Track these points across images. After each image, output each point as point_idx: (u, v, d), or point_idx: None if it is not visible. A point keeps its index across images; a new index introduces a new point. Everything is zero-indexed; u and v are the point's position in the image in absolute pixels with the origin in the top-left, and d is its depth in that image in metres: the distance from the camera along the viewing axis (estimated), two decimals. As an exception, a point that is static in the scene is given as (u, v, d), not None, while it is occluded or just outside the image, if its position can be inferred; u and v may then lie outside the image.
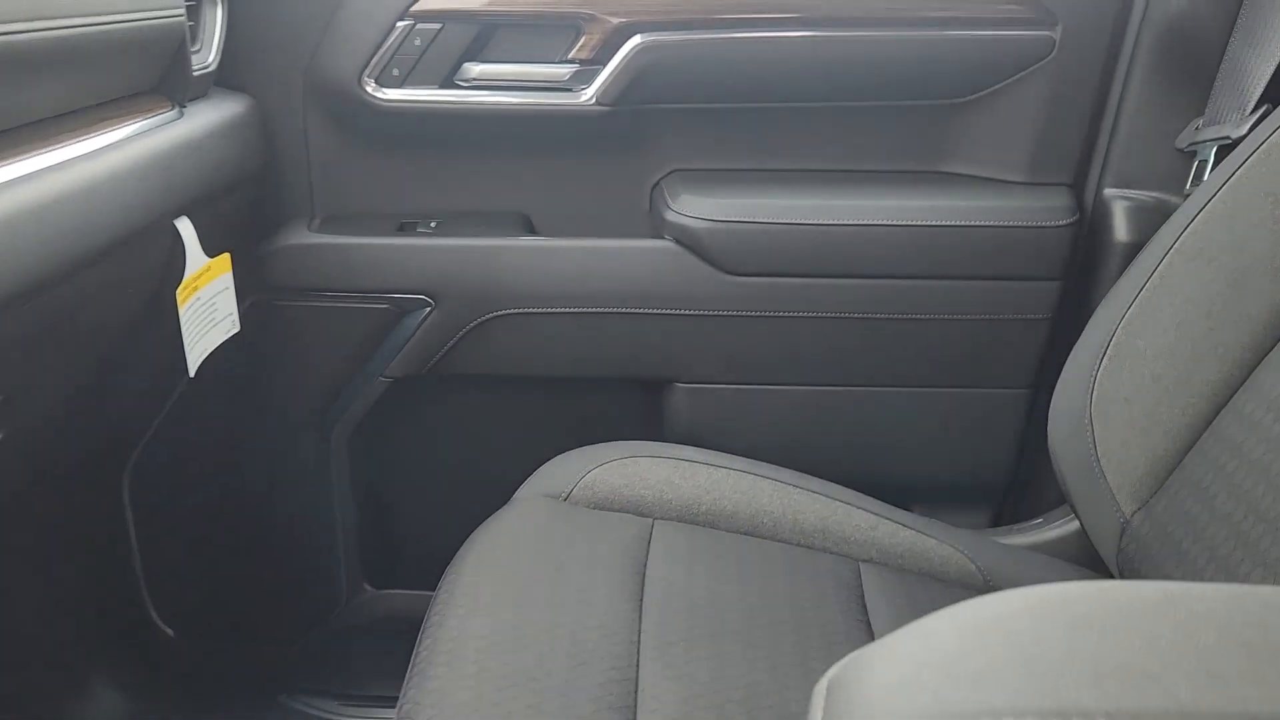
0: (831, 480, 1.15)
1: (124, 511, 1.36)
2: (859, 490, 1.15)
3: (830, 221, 1.26)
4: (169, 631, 1.46)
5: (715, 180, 1.31)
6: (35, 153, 0.85)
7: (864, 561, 1.07)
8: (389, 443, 1.43)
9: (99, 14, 0.91)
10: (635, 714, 0.80)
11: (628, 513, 1.08)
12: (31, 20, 0.81)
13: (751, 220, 1.26)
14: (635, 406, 1.40)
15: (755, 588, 0.98)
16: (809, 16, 1.22)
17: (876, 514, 1.11)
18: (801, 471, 1.16)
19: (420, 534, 1.48)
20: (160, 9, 1.03)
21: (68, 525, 1.31)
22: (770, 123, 1.31)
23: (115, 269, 0.96)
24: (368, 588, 1.47)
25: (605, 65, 1.23)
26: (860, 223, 1.25)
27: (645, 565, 0.98)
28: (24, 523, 1.19)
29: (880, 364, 1.32)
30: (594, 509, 1.08)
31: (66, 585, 1.34)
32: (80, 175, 0.88)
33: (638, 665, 0.85)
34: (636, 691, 0.83)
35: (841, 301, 1.29)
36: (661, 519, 1.08)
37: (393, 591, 1.47)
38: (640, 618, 0.91)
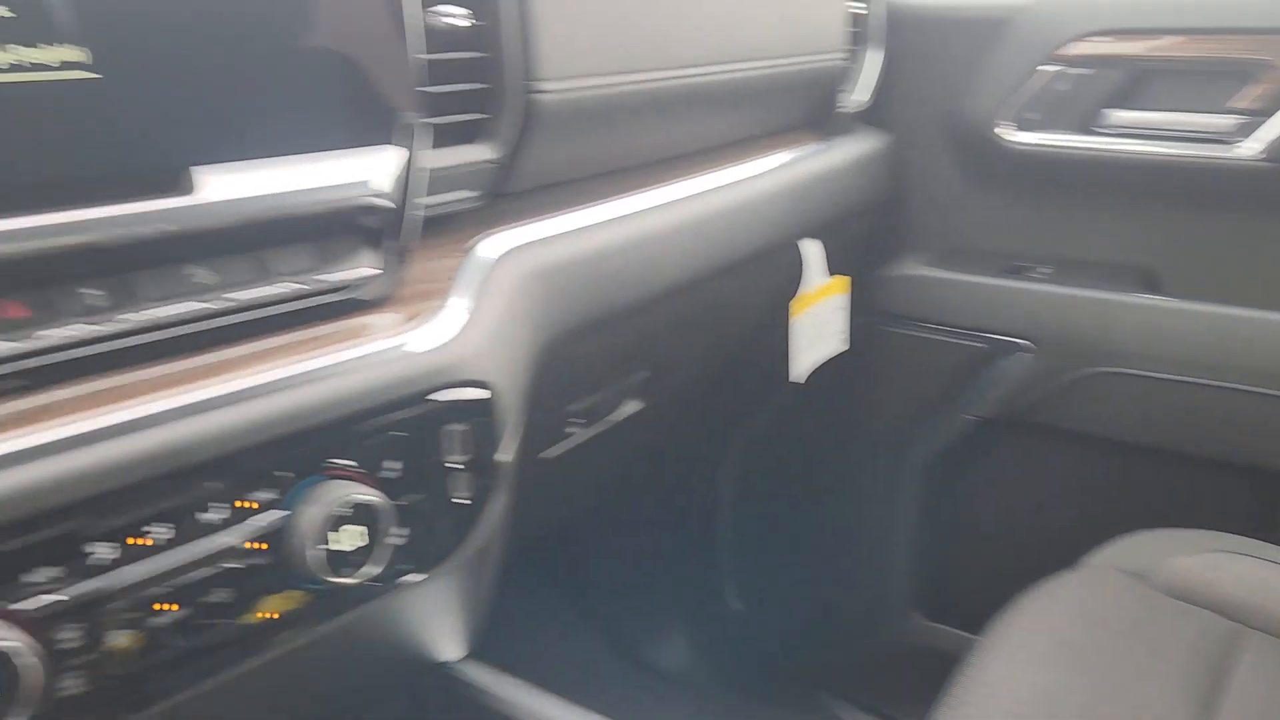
0: None
1: (716, 492, 1.54)
2: None
3: None
4: (739, 605, 1.63)
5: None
6: (702, 173, 1.01)
7: None
8: (961, 480, 1.44)
9: (773, 58, 1.05)
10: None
11: (1212, 611, 0.97)
12: (721, 64, 0.96)
13: None
14: (1239, 495, 1.24)
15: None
16: None
17: None
18: None
19: (975, 575, 1.46)
20: (825, 53, 1.15)
21: (666, 496, 1.52)
22: None
23: (748, 277, 1.10)
24: (916, 615, 1.49)
25: (1275, 117, 1.10)
26: None
27: (1225, 676, 0.88)
28: (630, 488, 1.42)
29: None
30: (1173, 598, 0.99)
31: (652, 546, 1.56)
32: (735, 196, 1.03)
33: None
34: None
35: None
36: (1255, 629, 0.95)
37: (939, 625, 1.47)
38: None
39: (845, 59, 1.20)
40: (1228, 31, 1.13)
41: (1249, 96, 1.12)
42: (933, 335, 1.35)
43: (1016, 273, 1.31)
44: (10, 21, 0.49)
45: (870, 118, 1.33)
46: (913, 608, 1.49)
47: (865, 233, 1.33)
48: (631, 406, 1.06)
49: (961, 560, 1.47)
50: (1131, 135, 1.20)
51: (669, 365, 1.08)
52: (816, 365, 1.23)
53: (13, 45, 0.49)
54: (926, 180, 1.35)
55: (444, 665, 0.74)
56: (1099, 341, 1.24)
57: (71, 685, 0.49)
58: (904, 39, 1.31)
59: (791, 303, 1.16)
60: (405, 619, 0.69)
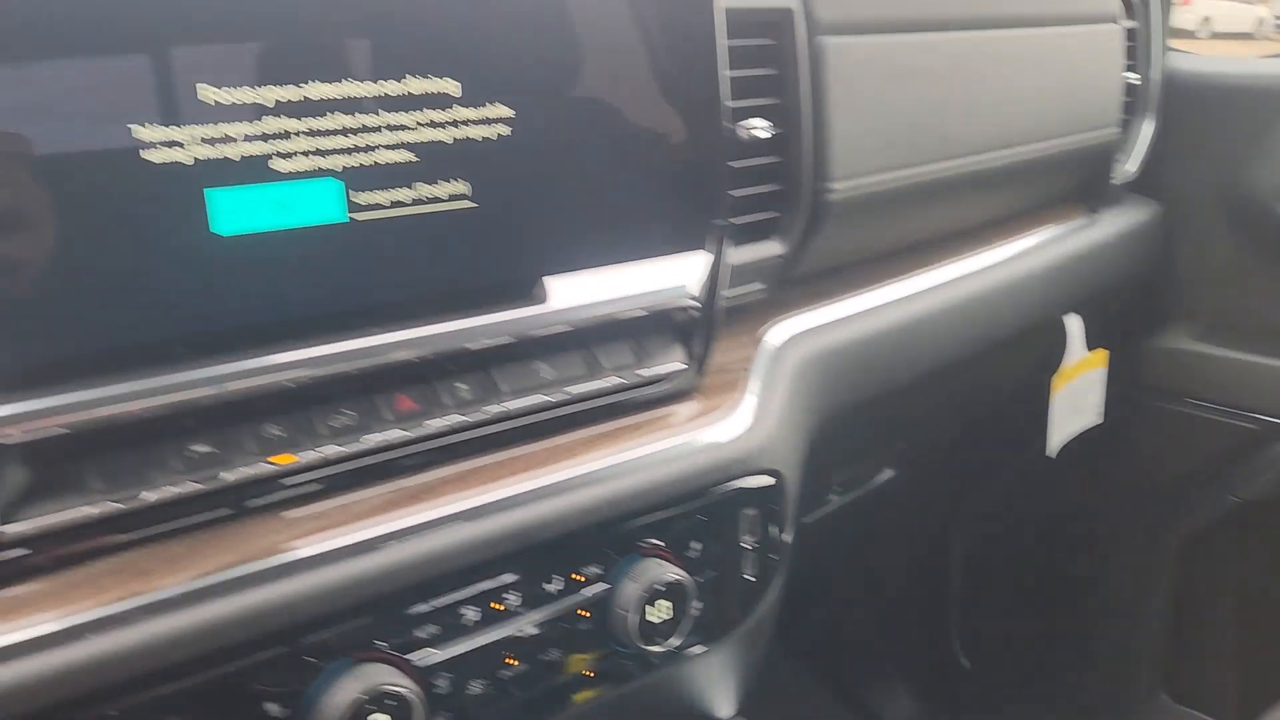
0: None
1: (951, 554, 1.54)
2: None
3: None
4: (965, 663, 1.62)
5: None
6: (970, 253, 1.03)
7: None
8: (1223, 562, 1.38)
9: (1050, 137, 1.06)
10: None
11: None
12: (999, 149, 0.99)
13: None
14: None
15: None
16: None
17: None
18: None
19: (1234, 662, 1.40)
20: (1099, 127, 1.15)
21: (904, 552, 1.54)
22: None
23: (1010, 353, 1.11)
24: (1163, 697, 1.44)
25: None
26: None
27: None
28: (867, 541, 1.44)
29: None
30: None
31: (886, 605, 1.58)
32: (1001, 275, 1.04)
33: None
34: None
35: None
36: None
37: (1190, 710, 1.41)
38: None
39: (1118, 133, 1.19)
40: None
41: None
42: (1197, 412, 1.31)
43: (1296, 352, 1.25)
44: (416, 165, 0.59)
45: (1138, 186, 1.30)
46: (1160, 688, 1.44)
47: (1127, 305, 1.31)
48: (886, 474, 1.10)
49: (1219, 645, 1.41)
50: None
51: (926, 435, 1.11)
52: (1070, 438, 1.22)
53: (419, 183, 0.59)
54: (1198, 252, 1.31)
55: (719, 721, 0.81)
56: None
57: (436, 724, 0.58)
58: (1179, 108, 1.28)
59: (1053, 378, 1.16)
60: (688, 681, 0.76)
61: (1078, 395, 1.22)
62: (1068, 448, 1.24)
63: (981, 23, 0.96)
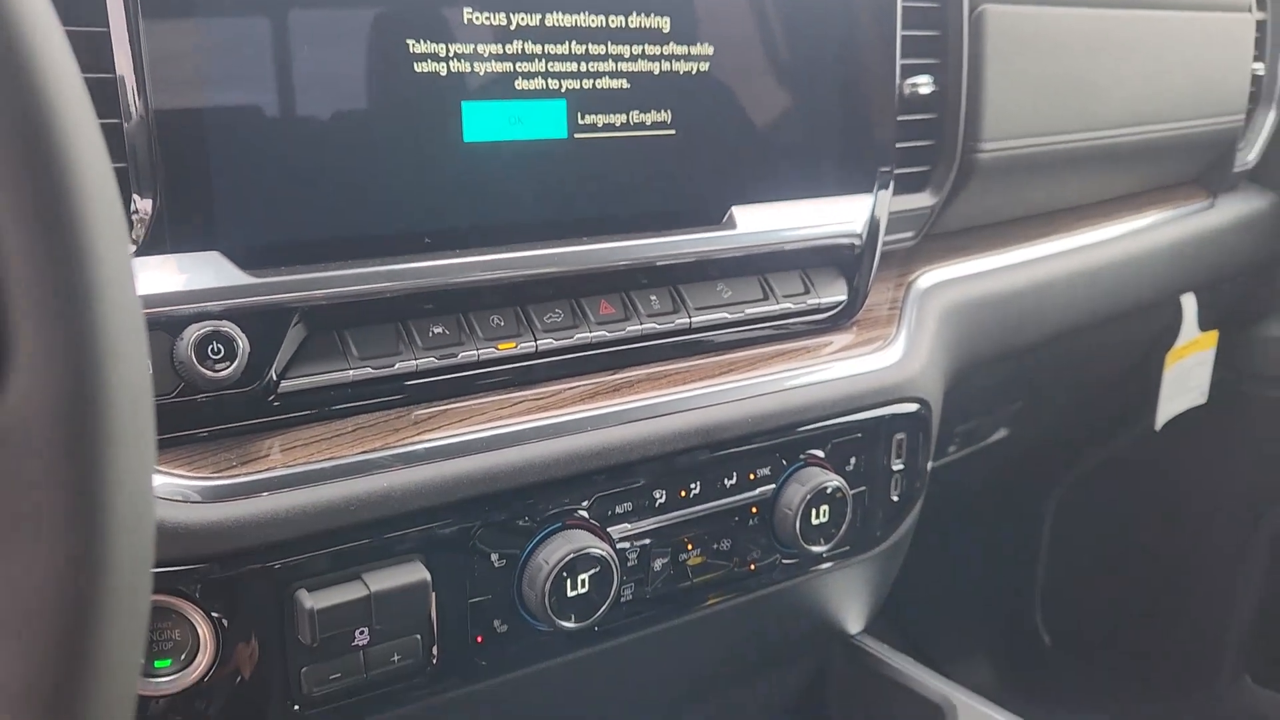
0: None
1: (1041, 526, 1.58)
2: None
3: None
4: (1046, 639, 1.65)
5: None
6: (1098, 226, 1.07)
7: None
8: (1315, 551, 1.40)
9: (1180, 120, 1.10)
10: None
11: None
12: (1134, 125, 1.03)
13: None
14: None
15: None
16: None
17: None
18: None
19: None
20: (1225, 114, 1.18)
21: (990, 522, 1.58)
22: None
23: (1128, 325, 1.15)
24: (1247, 680, 1.46)
25: None
26: None
27: None
28: (973, 500, 1.48)
29: None
30: None
31: (971, 570, 1.61)
32: (1127, 248, 1.08)
33: None
34: None
35: None
36: None
37: (1273, 693, 1.44)
38: None
39: (1242, 121, 1.22)
40: None
41: None
42: (1301, 399, 1.33)
43: None
44: (628, 92, 0.65)
45: (1257, 176, 1.33)
46: (1244, 671, 1.47)
47: (1240, 290, 1.33)
48: (1001, 433, 1.15)
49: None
50: None
51: (1042, 399, 1.15)
52: (1175, 415, 1.26)
53: (631, 110, 0.66)
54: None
55: (850, 636, 0.87)
56: None
57: (624, 593, 0.65)
58: (1304, 99, 1.30)
59: (1167, 354, 1.19)
60: (827, 593, 0.81)
61: (1187, 374, 1.25)
62: (1170, 427, 1.28)
63: (1127, 3, 1.00)
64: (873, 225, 0.77)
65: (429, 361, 0.60)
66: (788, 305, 0.74)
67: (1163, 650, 1.54)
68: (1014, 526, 1.61)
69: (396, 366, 0.59)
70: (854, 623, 0.87)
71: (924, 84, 0.83)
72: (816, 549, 0.71)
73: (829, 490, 0.70)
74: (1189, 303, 1.20)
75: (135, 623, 0.24)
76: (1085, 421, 1.39)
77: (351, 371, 0.58)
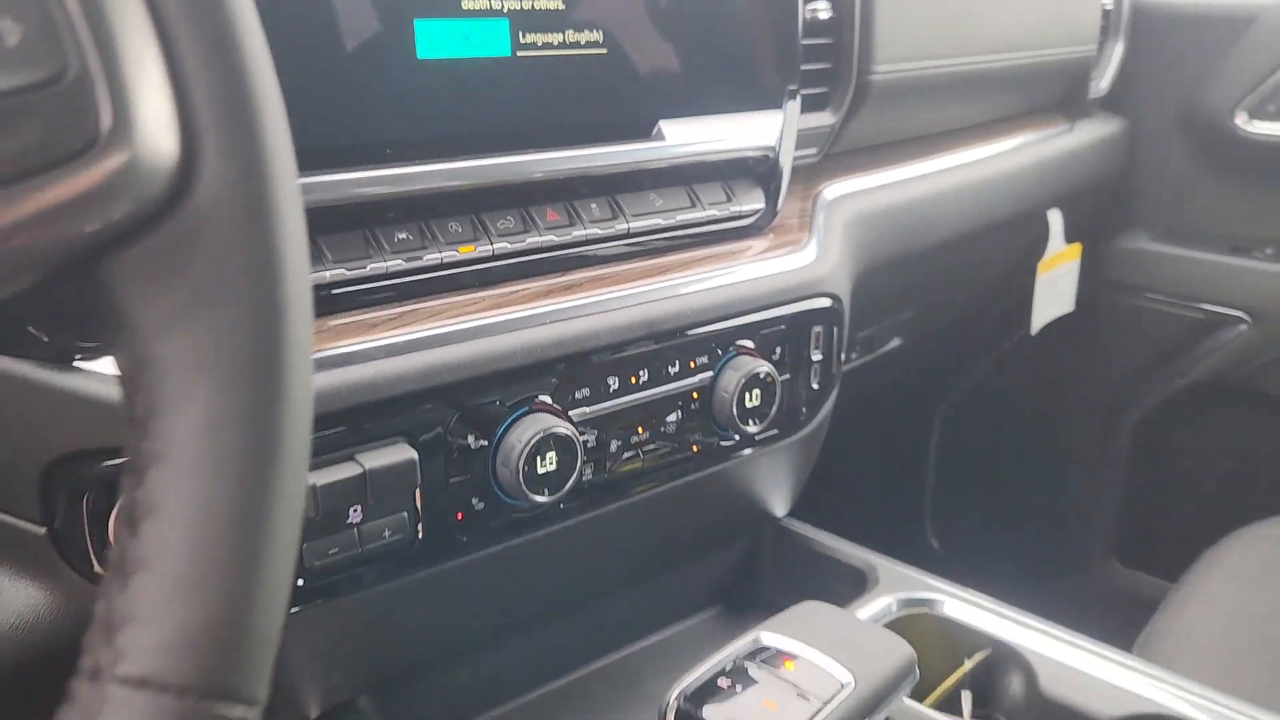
0: None
1: (930, 436, 1.71)
2: None
3: None
4: (935, 544, 1.79)
5: None
6: (973, 147, 1.17)
7: None
8: (1168, 439, 1.56)
9: (1041, 48, 1.21)
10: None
11: None
12: (1003, 52, 1.13)
13: None
14: None
15: None
16: None
17: None
18: None
19: (1175, 527, 1.58)
20: (1081, 44, 1.30)
21: (887, 433, 1.69)
22: None
23: (1002, 238, 1.26)
24: (1114, 562, 1.62)
25: None
26: None
27: None
28: (862, 418, 1.59)
29: None
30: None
31: (860, 482, 1.73)
32: (999, 166, 1.19)
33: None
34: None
35: None
36: None
37: (1136, 572, 1.60)
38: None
39: (1094, 50, 1.34)
40: None
41: None
42: (1153, 305, 1.48)
43: (1238, 251, 1.43)
44: (563, 13, 0.71)
45: (1108, 104, 1.46)
46: (1113, 555, 1.63)
47: (1096, 208, 1.47)
48: (895, 342, 1.25)
49: (1162, 513, 1.59)
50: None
51: (931, 307, 1.26)
52: (1048, 321, 1.38)
53: (566, 29, 0.71)
54: (1158, 162, 1.48)
55: (777, 519, 0.95)
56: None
57: (585, 471, 0.71)
58: (1145, 32, 1.43)
59: (1039, 264, 1.31)
60: (756, 477, 0.89)
61: (1055, 284, 1.38)
62: (1044, 334, 1.40)
63: (996, -61, 1.10)
64: (783, 138, 0.85)
65: (397, 264, 0.65)
66: (713, 212, 0.81)
67: (1040, 541, 1.69)
68: (908, 437, 1.73)
69: (368, 268, 0.64)
70: (780, 506, 0.95)
71: (822, 9, 0.90)
72: (751, 429, 0.78)
73: (760, 375, 0.77)
74: (1055, 217, 1.33)
75: (309, 359, 0.29)
76: (970, 329, 1.51)
77: (327, 273, 0.62)
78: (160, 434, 0.26)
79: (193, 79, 0.26)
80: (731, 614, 0.94)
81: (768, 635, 0.60)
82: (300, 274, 0.28)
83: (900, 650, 0.59)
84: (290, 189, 0.28)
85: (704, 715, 0.54)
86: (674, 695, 0.56)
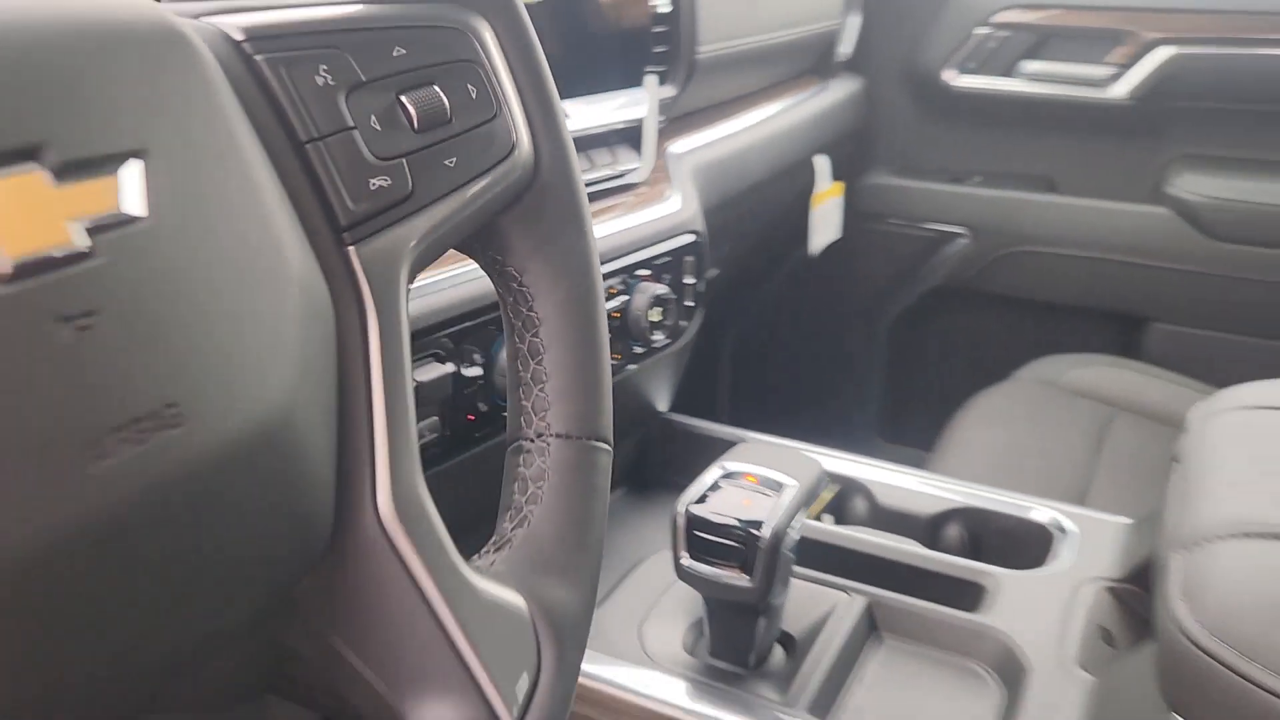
0: None
1: (725, 339, 2.01)
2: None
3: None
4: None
5: (1218, 165, 1.64)
6: (758, 108, 1.45)
7: None
8: (916, 335, 1.94)
9: (802, 24, 1.50)
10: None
11: (1097, 401, 1.50)
12: (781, 29, 1.40)
13: (1248, 200, 1.58)
14: (1112, 331, 1.77)
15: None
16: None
17: None
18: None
19: (929, 405, 1.97)
20: (830, 19, 1.60)
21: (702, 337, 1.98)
22: (1274, 123, 1.61)
23: (788, 180, 1.55)
24: (879, 440, 2.00)
25: (1134, 69, 1.61)
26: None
27: (1105, 434, 1.40)
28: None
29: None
30: (1072, 395, 1.51)
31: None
32: (778, 124, 1.47)
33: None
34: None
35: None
36: (1122, 410, 1.48)
37: (898, 446, 1.99)
38: (1097, 460, 1.35)
39: (840, 24, 1.65)
40: (1106, 9, 1.63)
41: (1118, 54, 1.63)
42: (895, 228, 1.84)
43: (956, 180, 1.81)
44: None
45: (851, 66, 1.79)
46: (878, 434, 2.00)
47: (852, 152, 1.80)
48: (714, 271, 1.51)
49: (917, 394, 1.98)
50: (1039, 80, 1.69)
51: (739, 239, 1.53)
52: (823, 246, 1.70)
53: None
54: (891, 113, 1.83)
55: (661, 414, 1.19)
56: (1016, 228, 1.75)
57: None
58: (877, 5, 1.77)
59: (812, 198, 1.62)
60: (648, 380, 1.12)
61: (827, 215, 1.69)
62: (822, 256, 1.72)
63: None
64: (650, 109, 1.07)
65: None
66: (605, 172, 1.03)
67: (822, 426, 2.04)
68: (721, 339, 2.01)
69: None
70: (662, 403, 1.19)
71: (663, 4, 1.13)
72: (657, 339, 1.01)
73: (660, 295, 1.00)
74: (820, 161, 1.63)
75: (599, 263, 0.51)
76: (767, 254, 1.81)
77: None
78: (541, 308, 0.46)
79: (534, 119, 0.47)
80: (635, 491, 1.17)
81: (731, 463, 0.83)
82: (589, 215, 0.49)
83: (815, 465, 0.84)
84: (578, 165, 0.48)
85: (705, 510, 0.77)
86: (681, 504, 0.79)
